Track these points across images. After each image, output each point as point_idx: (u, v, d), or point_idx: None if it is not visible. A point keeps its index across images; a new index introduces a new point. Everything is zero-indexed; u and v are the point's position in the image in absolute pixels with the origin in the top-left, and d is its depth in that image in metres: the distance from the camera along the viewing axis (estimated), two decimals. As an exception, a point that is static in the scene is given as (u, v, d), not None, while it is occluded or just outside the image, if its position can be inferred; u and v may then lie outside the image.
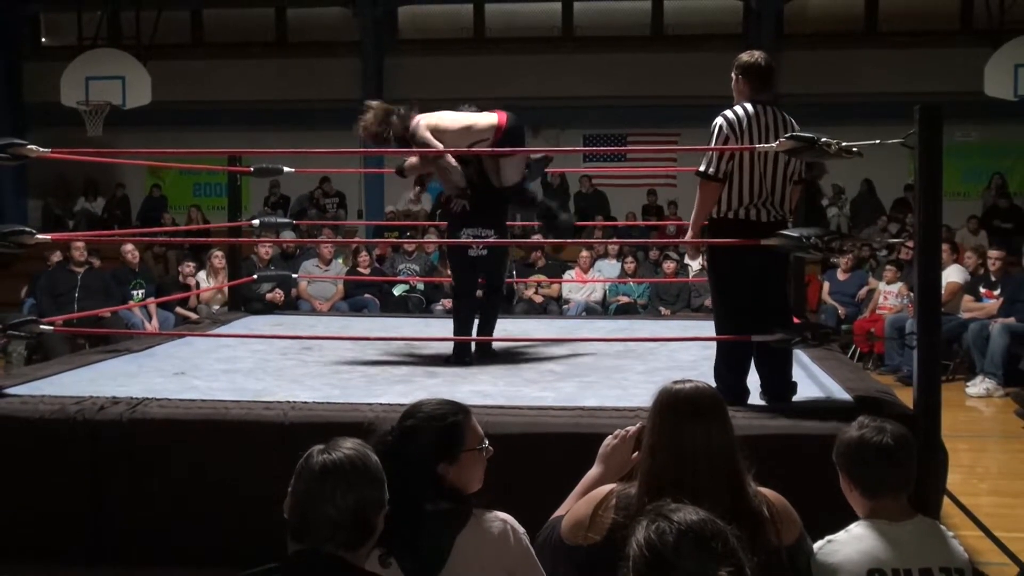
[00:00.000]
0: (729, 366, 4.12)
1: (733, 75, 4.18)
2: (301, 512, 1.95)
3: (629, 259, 10.84)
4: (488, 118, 5.21)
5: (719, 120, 4.06)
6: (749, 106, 4.08)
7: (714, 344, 4.29)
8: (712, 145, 4.04)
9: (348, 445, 2.01)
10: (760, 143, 4.01)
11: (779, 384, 4.14)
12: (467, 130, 5.18)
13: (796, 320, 5.21)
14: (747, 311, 4.07)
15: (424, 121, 5.21)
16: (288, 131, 15.05)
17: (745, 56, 4.17)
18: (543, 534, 2.45)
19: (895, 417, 2.68)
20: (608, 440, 2.60)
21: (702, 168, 4.05)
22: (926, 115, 3.79)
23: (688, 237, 4.27)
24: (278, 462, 2.56)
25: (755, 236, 3.99)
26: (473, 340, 5.33)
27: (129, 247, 9.51)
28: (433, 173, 5.62)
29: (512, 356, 5.43)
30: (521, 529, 2.33)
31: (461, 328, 5.31)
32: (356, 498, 1.95)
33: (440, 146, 5.13)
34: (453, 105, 5.42)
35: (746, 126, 4.02)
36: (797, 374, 4.56)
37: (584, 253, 10.80)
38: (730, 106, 4.13)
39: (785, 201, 4.11)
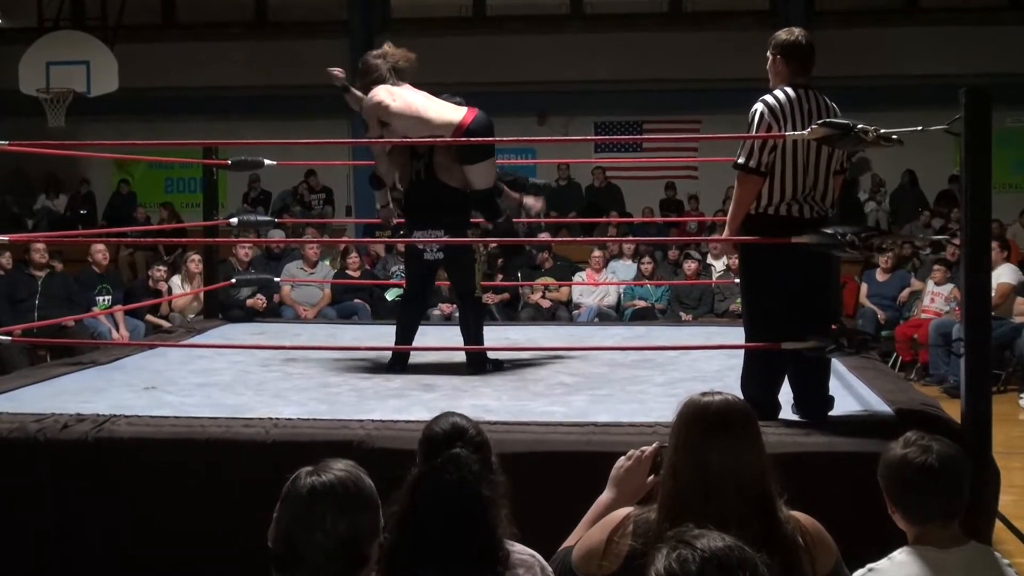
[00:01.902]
0: (757, 378, 4.10)
1: (769, 55, 4.17)
2: (287, 540, 1.95)
3: (646, 259, 10.80)
4: (450, 114, 5.16)
5: (759, 106, 4.04)
6: (790, 90, 4.07)
7: (741, 353, 4.28)
8: (754, 134, 4.02)
9: (339, 466, 2.01)
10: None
11: (814, 398, 4.13)
12: (419, 121, 5.14)
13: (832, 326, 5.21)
14: (783, 318, 4.03)
15: (379, 96, 5.16)
16: (269, 120, 15.06)
17: (783, 34, 4.16)
18: (551, 566, 2.45)
19: (941, 432, 2.67)
20: (621, 462, 2.59)
21: (741, 160, 4.02)
22: (973, 99, 3.78)
23: (726, 236, 4.21)
24: (260, 485, 2.57)
25: (798, 235, 3.98)
26: (417, 349, 5.43)
27: (100, 248, 9.52)
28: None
29: (517, 367, 5.43)
30: (549, 568, 2.35)
31: (400, 336, 5.40)
32: (348, 524, 1.95)
33: (375, 130, 5.18)
34: (452, 91, 5.43)
35: (789, 112, 4.01)
36: (832, 385, 4.55)
37: (596, 253, 10.79)
38: (767, 90, 4.12)
39: (828, 195, 4.10)
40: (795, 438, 3.75)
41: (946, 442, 2.50)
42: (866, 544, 2.55)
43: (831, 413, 4.14)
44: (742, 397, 2.91)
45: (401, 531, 2.16)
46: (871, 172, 14.53)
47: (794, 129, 3.98)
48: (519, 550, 2.36)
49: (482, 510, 2.25)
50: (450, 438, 2.41)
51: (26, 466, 3.86)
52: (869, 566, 2.44)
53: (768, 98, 4.06)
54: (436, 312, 9.87)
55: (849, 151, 4.15)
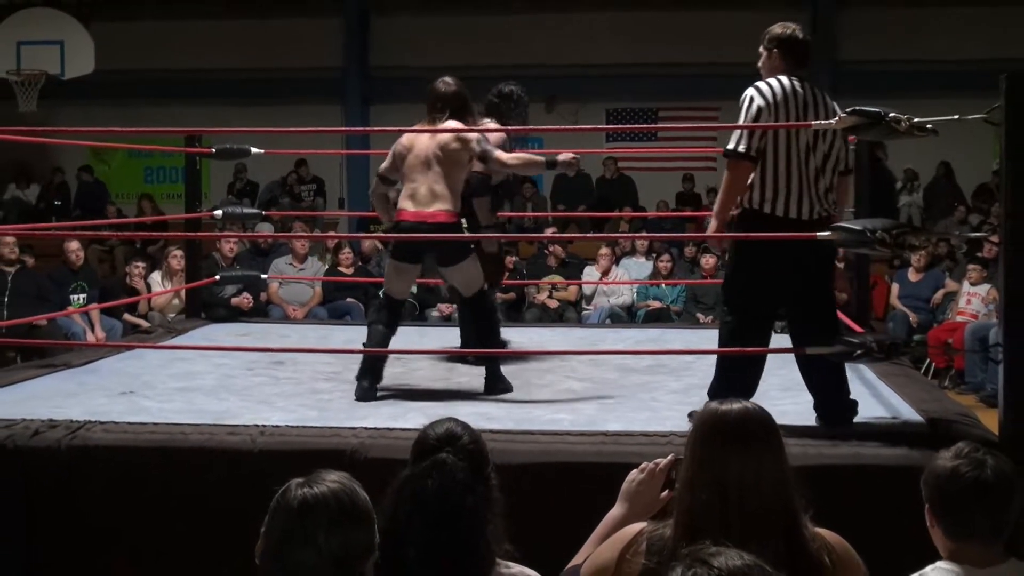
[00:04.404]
0: (732, 388, 4.10)
1: (764, 50, 4.26)
2: (276, 557, 1.96)
3: (664, 257, 10.72)
4: None
5: (750, 92, 4.13)
6: (784, 79, 4.14)
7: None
8: (742, 121, 4.09)
9: (332, 478, 2.02)
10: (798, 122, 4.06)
11: (835, 404, 4.17)
12: None
13: (859, 329, 5.23)
14: (765, 329, 4.17)
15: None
16: (257, 105, 15.07)
17: (778, 28, 4.25)
18: (558, 586, 2.46)
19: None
20: (633, 475, 2.60)
21: (731, 145, 4.11)
22: (1015, 85, 3.79)
23: (712, 229, 4.29)
24: (246, 497, 2.57)
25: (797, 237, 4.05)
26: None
27: (74, 245, 9.53)
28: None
29: (522, 372, 5.43)
30: None
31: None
32: (342, 541, 1.95)
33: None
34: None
35: (781, 100, 4.08)
36: (862, 393, 4.57)
37: (603, 250, 10.75)
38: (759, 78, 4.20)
39: (830, 193, 4.15)
40: (820, 449, 3.76)
41: (1001, 456, 2.49)
42: (897, 564, 2.55)
43: (858, 420, 4.16)
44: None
45: (382, 540, 2.17)
46: (887, 157, 14.48)
47: (787, 119, 4.02)
48: (516, 571, 2.36)
49: (462, 521, 2.26)
50: (441, 443, 2.42)
51: (-6, 475, 3.87)
52: (899, 583, 2.45)
53: (761, 84, 4.15)
54: (434, 313, 9.89)
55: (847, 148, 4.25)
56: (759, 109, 4.07)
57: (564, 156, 5.25)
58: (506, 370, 5.37)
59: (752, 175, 4.09)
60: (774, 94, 4.08)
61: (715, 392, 4.11)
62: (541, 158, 5.43)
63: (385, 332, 5.04)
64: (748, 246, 4.17)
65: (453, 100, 5.07)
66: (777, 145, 4.06)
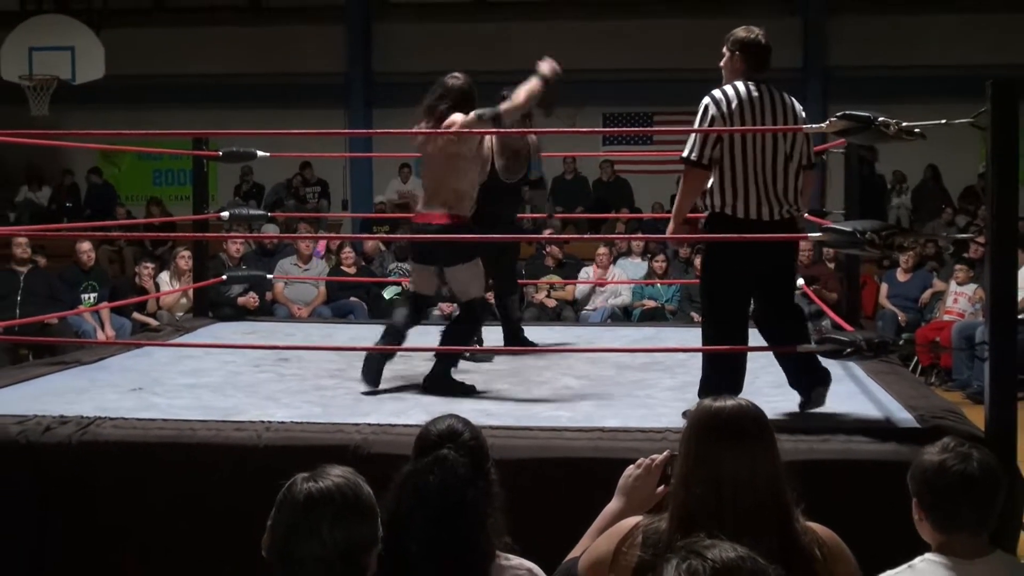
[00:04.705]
0: (720, 387, 4.12)
1: (727, 51, 4.28)
2: (282, 550, 1.96)
3: (660, 257, 10.72)
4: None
5: (706, 100, 4.15)
6: (741, 84, 4.16)
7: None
8: (697, 129, 4.12)
9: (336, 473, 2.02)
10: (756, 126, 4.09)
11: (807, 376, 4.22)
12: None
13: (849, 328, 5.24)
14: (739, 324, 4.20)
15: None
16: (263, 109, 15.05)
17: (742, 32, 4.27)
18: (557, 579, 2.46)
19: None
20: (630, 470, 2.60)
21: (685, 153, 4.14)
22: (1000, 91, 3.78)
23: (669, 230, 4.34)
24: (253, 491, 2.57)
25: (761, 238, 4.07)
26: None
27: (86, 245, 9.53)
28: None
29: (520, 369, 5.44)
30: None
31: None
32: (346, 534, 1.96)
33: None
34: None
35: (735, 107, 4.10)
36: (851, 390, 4.58)
37: (601, 250, 10.76)
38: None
39: (789, 191, 4.16)
40: (811, 445, 3.76)
41: (985, 451, 2.52)
42: (886, 556, 2.55)
43: (849, 416, 4.18)
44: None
45: (385, 533, 2.18)
46: (876, 161, 14.47)
47: (743, 124, 4.05)
48: (515, 564, 2.37)
49: (463, 515, 2.27)
50: (442, 440, 2.42)
51: (6, 470, 3.87)
52: (888, 573, 2.46)
53: (716, 92, 4.16)
54: (435, 313, 9.89)
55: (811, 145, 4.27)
56: (713, 119, 4.10)
57: (544, 68, 5.20)
58: (506, 368, 5.38)
59: (712, 180, 4.12)
60: (728, 102, 4.10)
61: (704, 393, 4.12)
62: (533, 80, 5.22)
63: (405, 321, 5.05)
64: (716, 248, 4.22)
65: (456, 93, 5.01)
66: (734, 150, 4.08)
